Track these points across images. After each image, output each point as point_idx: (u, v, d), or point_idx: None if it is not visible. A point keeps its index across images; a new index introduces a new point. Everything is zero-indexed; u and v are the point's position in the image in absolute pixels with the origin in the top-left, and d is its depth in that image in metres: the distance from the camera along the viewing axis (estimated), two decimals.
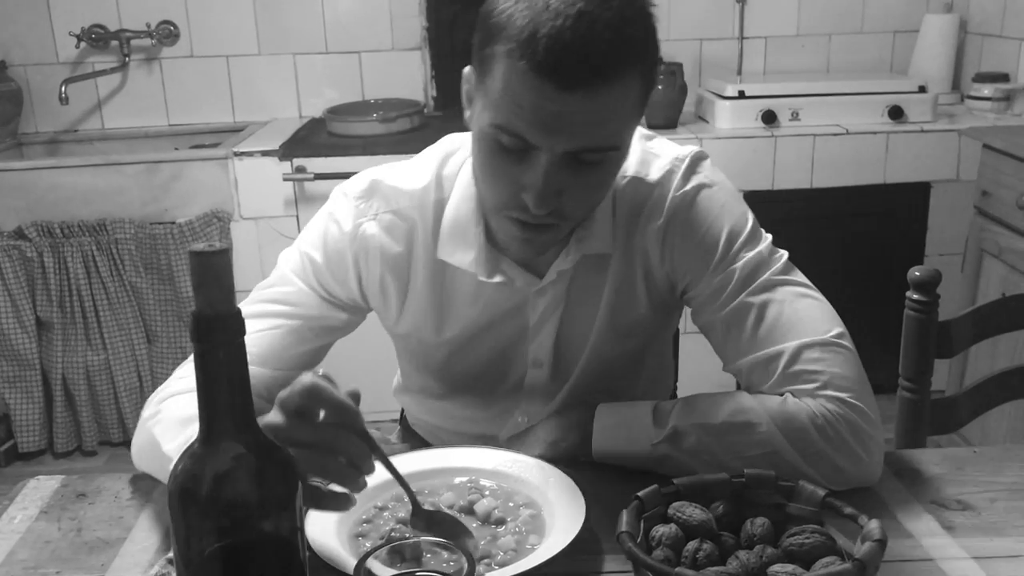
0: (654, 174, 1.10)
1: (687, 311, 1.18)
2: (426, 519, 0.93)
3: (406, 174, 1.14)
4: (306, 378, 0.86)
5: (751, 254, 1.07)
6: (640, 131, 1.14)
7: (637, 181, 1.10)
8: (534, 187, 0.95)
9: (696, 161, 1.12)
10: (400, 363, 1.29)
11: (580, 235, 1.09)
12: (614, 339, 1.16)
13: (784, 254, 1.11)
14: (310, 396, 0.85)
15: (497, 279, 1.10)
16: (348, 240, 1.12)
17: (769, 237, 1.11)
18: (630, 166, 1.11)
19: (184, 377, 1.09)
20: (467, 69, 1.01)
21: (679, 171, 1.10)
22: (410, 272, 1.13)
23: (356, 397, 0.88)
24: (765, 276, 1.06)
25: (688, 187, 1.09)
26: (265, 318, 1.11)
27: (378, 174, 1.15)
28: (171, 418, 1.00)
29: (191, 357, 1.09)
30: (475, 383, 1.21)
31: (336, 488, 0.88)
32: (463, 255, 1.10)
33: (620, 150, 0.99)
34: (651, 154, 1.12)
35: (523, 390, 1.20)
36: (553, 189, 0.96)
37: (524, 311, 1.14)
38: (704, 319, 1.11)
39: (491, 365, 1.19)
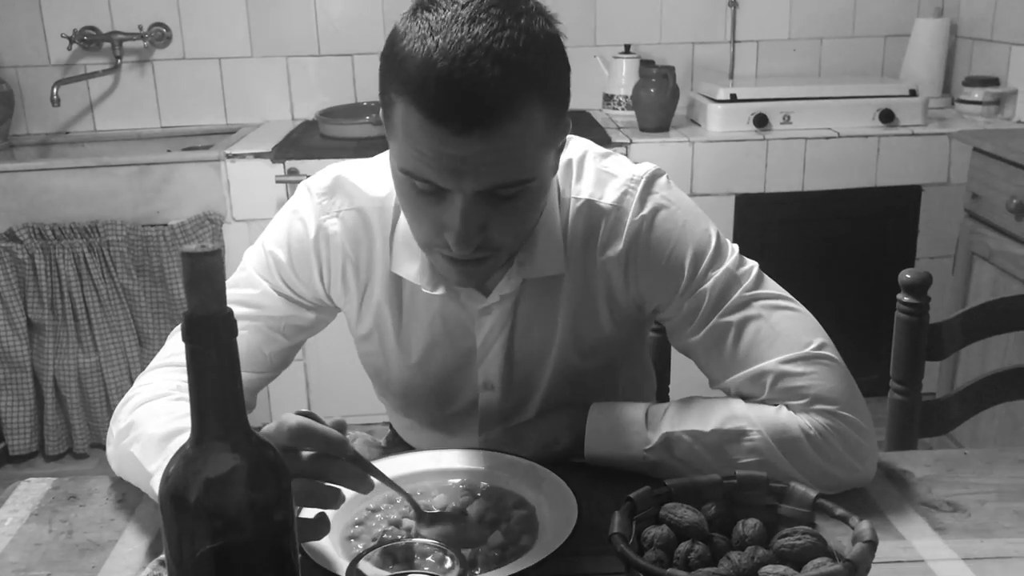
0: (609, 197, 1.08)
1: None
2: (430, 521, 0.93)
3: (370, 177, 1.12)
4: (291, 419, 0.85)
5: (719, 272, 1.06)
6: (594, 149, 1.13)
7: (591, 205, 1.08)
8: (453, 228, 0.94)
9: (651, 180, 1.10)
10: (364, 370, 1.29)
11: (522, 259, 1.07)
12: (578, 359, 1.15)
13: (754, 265, 1.09)
14: (299, 437, 0.85)
15: (441, 291, 1.09)
16: (312, 238, 1.12)
17: (735, 248, 1.10)
18: (584, 188, 1.09)
19: (150, 383, 1.08)
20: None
21: (635, 193, 1.08)
22: (370, 272, 1.13)
23: (342, 427, 0.88)
24: (737, 293, 1.05)
25: (645, 210, 1.07)
26: None
27: (342, 170, 1.14)
28: (150, 436, 0.99)
29: (153, 363, 1.11)
30: (428, 401, 1.20)
31: (310, 515, 0.88)
32: (410, 266, 1.09)
33: (537, 179, 0.97)
34: (606, 174, 1.10)
35: (477, 414, 1.19)
36: (474, 227, 0.95)
37: (471, 331, 1.13)
38: (681, 343, 1.10)
39: (442, 385, 1.18)
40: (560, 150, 1.03)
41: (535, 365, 1.15)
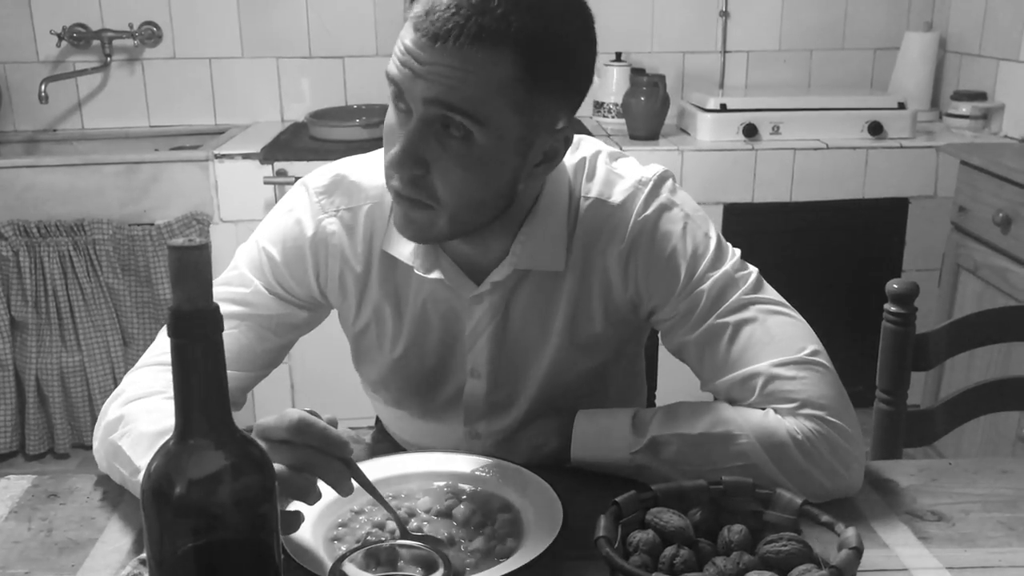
0: (617, 196, 1.09)
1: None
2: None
3: (370, 171, 1.13)
4: (294, 413, 0.87)
5: (717, 274, 1.06)
6: (606, 150, 1.13)
7: (599, 203, 1.09)
8: (399, 142, 0.96)
9: (660, 182, 1.10)
10: (355, 366, 1.28)
11: (517, 249, 1.08)
12: (573, 357, 1.15)
13: (753, 271, 1.09)
14: (299, 431, 0.87)
15: (435, 275, 1.09)
16: (308, 237, 1.11)
17: (736, 253, 1.10)
18: (594, 187, 1.10)
19: (139, 381, 1.07)
20: None
21: (642, 193, 1.09)
22: (368, 269, 1.13)
23: (334, 424, 0.90)
24: (735, 296, 1.06)
25: (650, 210, 1.08)
26: (224, 319, 1.10)
27: (343, 168, 1.13)
28: (141, 432, 0.98)
29: (142, 361, 1.10)
30: (419, 388, 1.20)
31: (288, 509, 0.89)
32: (404, 247, 1.09)
33: (487, 129, 0.95)
34: (615, 175, 1.11)
35: (462, 401, 1.19)
36: (415, 152, 0.96)
37: (462, 318, 1.14)
38: (676, 343, 1.10)
39: (432, 370, 1.18)
40: (551, 134, 1.01)
41: (527, 359, 1.15)
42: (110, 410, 1.05)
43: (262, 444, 0.85)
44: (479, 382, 1.17)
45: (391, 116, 1.00)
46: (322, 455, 0.87)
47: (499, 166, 0.99)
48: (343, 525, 0.96)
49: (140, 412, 1.01)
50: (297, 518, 0.88)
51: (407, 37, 0.94)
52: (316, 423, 0.87)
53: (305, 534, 0.91)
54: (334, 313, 1.21)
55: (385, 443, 1.35)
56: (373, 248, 1.12)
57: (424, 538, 0.93)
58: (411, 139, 0.95)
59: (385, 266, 1.12)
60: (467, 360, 1.16)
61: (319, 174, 1.14)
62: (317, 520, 0.94)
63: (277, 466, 0.83)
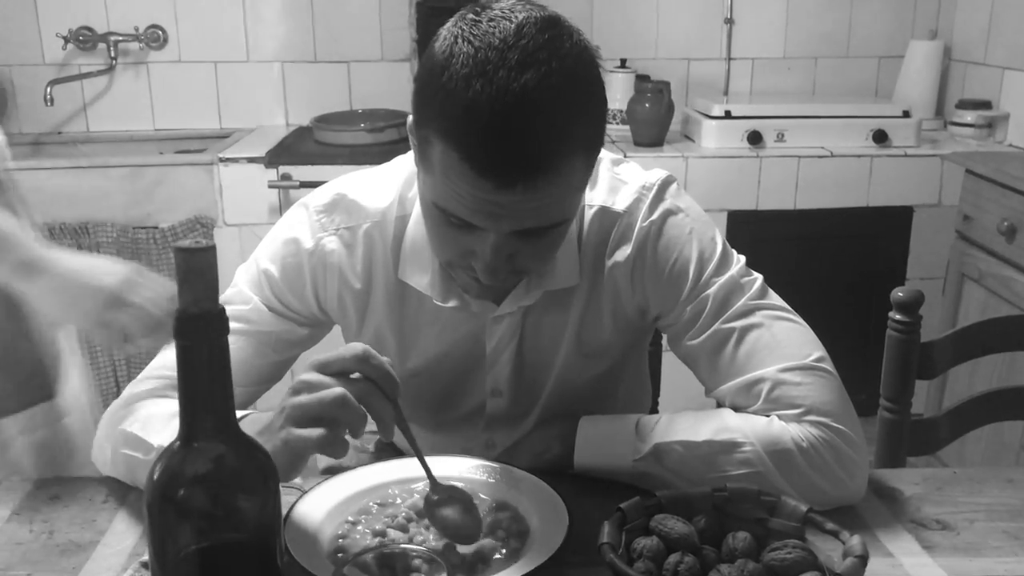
0: (621, 203, 1.09)
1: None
2: (438, 502, 0.94)
3: (371, 190, 1.12)
4: (357, 346, 0.88)
5: (723, 279, 1.06)
6: (608, 156, 1.13)
7: (604, 211, 1.09)
8: (483, 260, 0.94)
9: (663, 187, 1.11)
10: None
11: (541, 271, 1.07)
12: (582, 364, 1.15)
13: (758, 277, 1.10)
14: (364, 361, 0.87)
15: (452, 303, 1.09)
16: (307, 255, 1.10)
17: (742, 259, 1.10)
18: (598, 195, 1.10)
19: (142, 389, 1.08)
20: (410, 119, 0.96)
21: (646, 199, 1.09)
22: (370, 290, 1.12)
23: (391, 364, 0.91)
24: (741, 301, 1.06)
25: (655, 216, 1.08)
26: None
27: (343, 187, 1.13)
28: (151, 414, 0.99)
29: (144, 374, 1.10)
30: (432, 408, 1.19)
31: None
32: (420, 277, 1.09)
33: (568, 218, 0.98)
34: (619, 181, 1.11)
35: (484, 418, 1.19)
36: (503, 259, 0.95)
37: (481, 338, 1.13)
38: (682, 348, 1.10)
39: (448, 391, 1.18)
40: None
41: (542, 370, 1.16)
42: (117, 412, 1.06)
43: (320, 378, 0.87)
44: (501, 400, 1.17)
45: (439, 221, 0.96)
46: (377, 393, 0.88)
47: (570, 223, 1.02)
48: (343, 537, 0.94)
49: (148, 405, 1.02)
50: (344, 446, 0.87)
51: (465, 179, 0.88)
52: (378, 355, 0.88)
53: (308, 543, 0.91)
54: (336, 326, 1.21)
55: (388, 451, 1.34)
56: (374, 267, 1.11)
57: (449, 500, 0.95)
58: (496, 255, 0.94)
59: (392, 292, 1.12)
60: (487, 380, 1.16)
61: (319, 193, 1.13)
62: (317, 532, 0.93)
63: (338, 390, 0.85)
